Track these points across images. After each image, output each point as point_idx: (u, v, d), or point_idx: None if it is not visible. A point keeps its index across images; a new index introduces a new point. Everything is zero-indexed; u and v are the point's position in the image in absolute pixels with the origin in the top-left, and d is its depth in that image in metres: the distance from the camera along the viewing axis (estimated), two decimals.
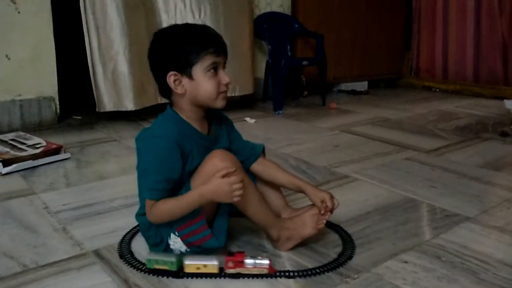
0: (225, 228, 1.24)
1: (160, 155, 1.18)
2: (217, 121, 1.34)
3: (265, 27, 3.50)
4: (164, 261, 1.18)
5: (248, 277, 1.18)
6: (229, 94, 1.31)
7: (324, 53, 3.52)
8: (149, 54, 1.25)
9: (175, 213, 1.20)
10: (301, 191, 1.37)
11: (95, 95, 2.75)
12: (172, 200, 1.19)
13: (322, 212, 1.31)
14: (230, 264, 1.18)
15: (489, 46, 4.02)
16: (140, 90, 2.81)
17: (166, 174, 1.18)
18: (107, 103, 2.76)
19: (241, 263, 1.18)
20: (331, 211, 1.33)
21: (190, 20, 2.92)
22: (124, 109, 2.79)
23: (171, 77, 1.20)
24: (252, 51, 3.35)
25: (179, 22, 2.80)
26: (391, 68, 4.52)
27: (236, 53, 3.00)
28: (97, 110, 2.77)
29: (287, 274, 1.20)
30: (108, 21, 2.69)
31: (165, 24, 2.83)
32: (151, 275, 1.19)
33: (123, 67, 2.75)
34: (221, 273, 1.18)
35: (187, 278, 1.17)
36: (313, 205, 1.34)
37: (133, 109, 2.80)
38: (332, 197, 1.33)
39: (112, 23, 2.70)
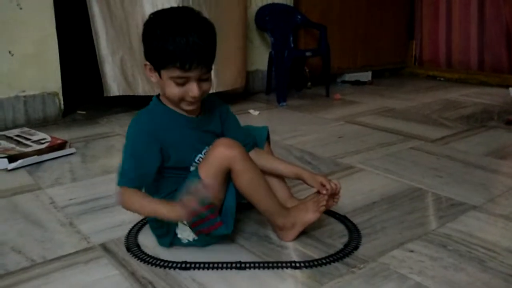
0: (233, 215, 1.25)
1: (131, 144, 1.21)
2: (210, 105, 1.32)
3: (268, 19, 3.48)
4: None
5: (255, 268, 1.18)
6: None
7: (328, 43, 3.51)
8: None
9: (140, 212, 1.23)
10: (298, 177, 1.39)
11: (103, 81, 2.80)
12: (143, 198, 1.20)
13: (324, 193, 1.31)
14: None
15: (493, 34, 3.99)
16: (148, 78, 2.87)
17: (137, 163, 1.19)
18: (115, 88, 2.82)
19: None
20: (335, 194, 1.34)
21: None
22: (131, 94, 2.84)
23: (147, 66, 1.22)
24: (244, 49, 3.28)
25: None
26: (395, 57, 4.50)
27: (227, 49, 2.94)
28: (104, 95, 2.82)
29: (293, 264, 1.20)
30: (113, 12, 2.73)
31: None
32: (157, 267, 1.20)
33: (129, 56, 2.80)
34: None
35: (194, 270, 1.18)
36: (316, 192, 1.35)
37: (142, 94, 2.84)
38: (329, 180, 1.34)
39: (116, 15, 2.74)
